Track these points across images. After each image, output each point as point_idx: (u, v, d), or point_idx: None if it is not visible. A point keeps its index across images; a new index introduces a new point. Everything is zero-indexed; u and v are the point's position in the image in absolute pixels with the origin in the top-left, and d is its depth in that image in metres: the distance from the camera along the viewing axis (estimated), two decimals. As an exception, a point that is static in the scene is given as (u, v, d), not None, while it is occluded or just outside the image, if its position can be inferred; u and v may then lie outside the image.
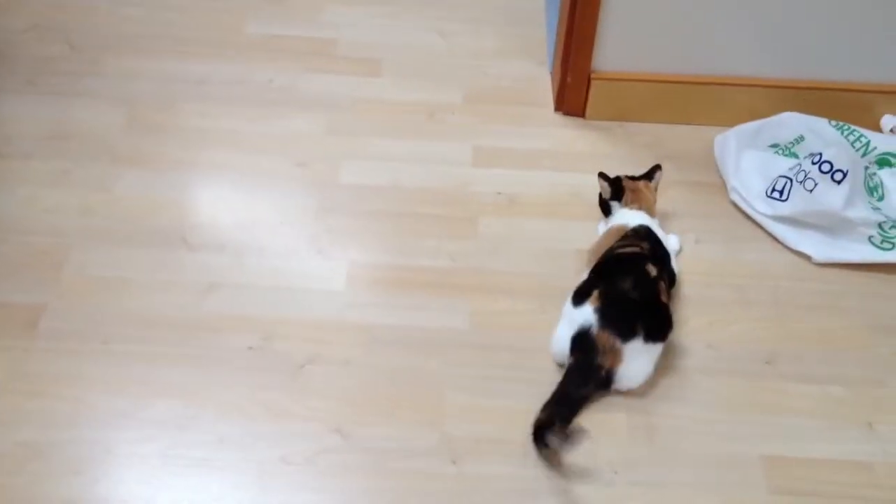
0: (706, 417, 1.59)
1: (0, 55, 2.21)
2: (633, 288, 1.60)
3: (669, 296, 1.69)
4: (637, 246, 1.70)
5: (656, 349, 1.60)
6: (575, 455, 1.49)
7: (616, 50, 2.08)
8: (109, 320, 1.68)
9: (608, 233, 1.77)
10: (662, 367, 1.64)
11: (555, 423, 1.48)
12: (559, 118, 2.16)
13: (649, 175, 1.85)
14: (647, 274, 1.63)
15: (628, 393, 1.60)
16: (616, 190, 1.81)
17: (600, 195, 1.84)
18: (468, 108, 2.17)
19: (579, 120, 2.15)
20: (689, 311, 1.76)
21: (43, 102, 2.12)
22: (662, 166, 1.88)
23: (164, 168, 1.98)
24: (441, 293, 1.77)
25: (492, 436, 1.54)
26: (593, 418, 1.56)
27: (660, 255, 1.71)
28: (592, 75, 2.10)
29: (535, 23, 2.43)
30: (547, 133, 2.12)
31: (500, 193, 1.97)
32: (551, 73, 2.26)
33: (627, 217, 1.78)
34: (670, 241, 1.83)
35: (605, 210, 1.84)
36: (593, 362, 1.55)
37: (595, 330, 1.55)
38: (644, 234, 1.73)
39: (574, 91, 2.13)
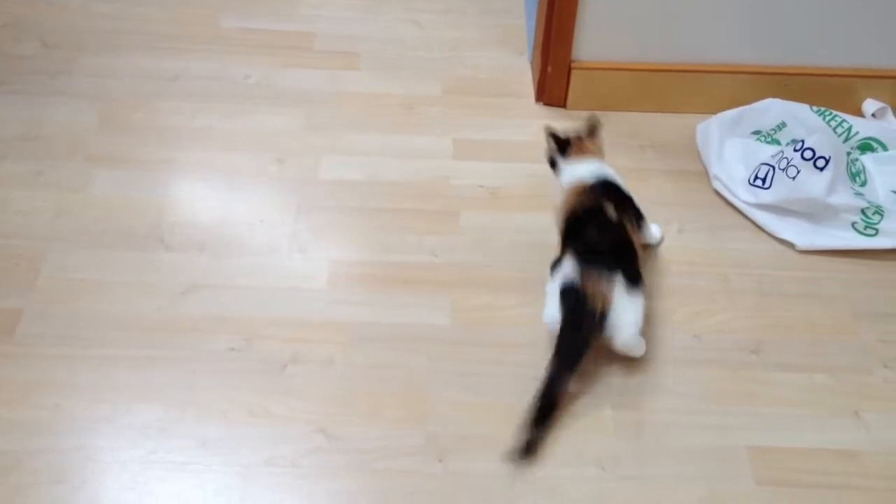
0: (692, 408, 1.58)
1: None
2: (599, 235, 1.61)
3: (641, 236, 1.71)
4: (593, 197, 1.68)
5: (639, 298, 1.59)
6: (562, 451, 1.48)
7: (596, 39, 2.06)
8: (87, 324, 1.65)
9: (571, 191, 1.73)
10: (648, 359, 1.64)
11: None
12: (540, 109, 2.14)
13: (590, 132, 1.79)
14: (609, 219, 1.63)
15: (618, 388, 1.59)
16: (562, 146, 1.77)
17: (548, 153, 1.81)
18: (447, 100, 2.15)
19: (560, 110, 2.14)
20: (673, 301, 1.75)
21: (15, 102, 2.09)
22: (645, 153, 1.86)
23: (139, 167, 1.95)
24: (423, 289, 1.75)
25: (477, 432, 1.53)
26: (580, 414, 1.55)
27: (619, 198, 1.69)
28: (573, 65, 2.08)
29: (513, 13, 2.41)
30: (528, 124, 2.10)
31: (481, 186, 1.95)
32: (531, 63, 2.24)
33: (579, 170, 1.74)
34: (651, 230, 1.82)
35: (553, 166, 1.80)
36: (585, 309, 1.54)
37: (578, 280, 1.55)
38: (599, 185, 1.71)
39: (554, 81, 2.11)
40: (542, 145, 2.05)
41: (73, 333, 1.64)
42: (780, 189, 1.87)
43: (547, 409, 1.52)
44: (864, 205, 1.87)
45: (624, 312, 1.56)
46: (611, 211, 1.64)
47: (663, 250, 1.84)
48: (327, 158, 1.99)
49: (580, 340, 1.55)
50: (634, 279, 1.58)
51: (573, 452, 1.50)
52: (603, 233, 1.62)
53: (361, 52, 2.27)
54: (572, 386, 1.56)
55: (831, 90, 2.09)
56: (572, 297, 1.56)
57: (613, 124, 2.11)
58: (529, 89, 2.19)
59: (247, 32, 2.30)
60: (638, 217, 1.73)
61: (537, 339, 1.66)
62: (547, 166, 2.01)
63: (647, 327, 1.67)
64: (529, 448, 1.50)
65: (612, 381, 1.61)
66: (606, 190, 1.70)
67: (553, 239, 1.84)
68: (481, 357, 1.64)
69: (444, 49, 2.29)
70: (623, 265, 1.57)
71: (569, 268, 1.58)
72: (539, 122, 2.11)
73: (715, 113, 2.07)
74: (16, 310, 1.66)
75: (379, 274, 1.77)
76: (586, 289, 1.55)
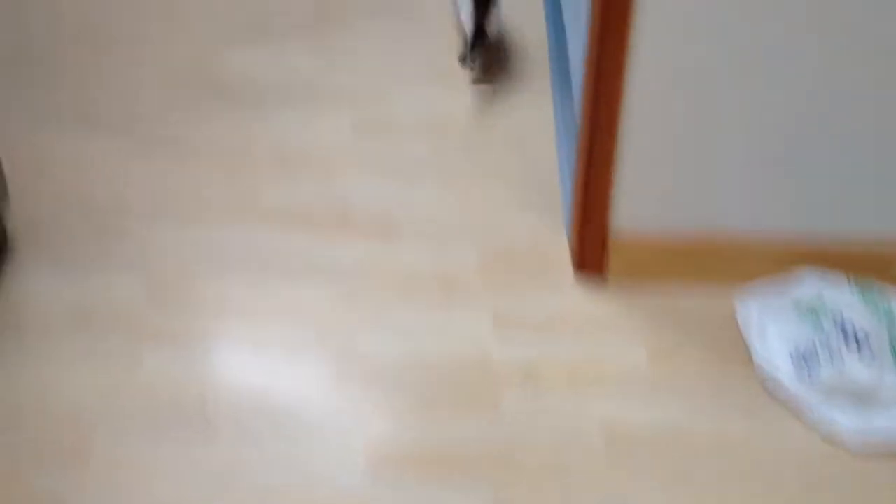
0: None
1: (26, 230, 2.25)
2: None
3: None
4: None
5: None
6: None
7: (633, 209, 2.08)
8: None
9: None
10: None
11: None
12: (578, 282, 2.15)
13: None
14: None
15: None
16: None
17: None
18: (484, 273, 2.17)
19: (598, 282, 2.15)
20: (709, 496, 1.71)
21: (61, 274, 2.14)
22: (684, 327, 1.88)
23: (183, 342, 1.99)
24: (462, 471, 1.74)
25: None
26: None
27: None
28: (610, 235, 2.10)
29: (549, 183, 2.44)
30: (566, 299, 2.11)
31: (520, 364, 1.96)
32: (568, 233, 2.27)
33: None
34: None
35: None
36: None
37: None
38: None
39: (591, 253, 2.13)
40: (583, 320, 2.06)
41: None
42: (824, 372, 1.84)
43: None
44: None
45: None
46: None
47: (703, 433, 1.82)
48: (364, 335, 2.01)
49: None
50: None
51: None
52: None
53: (397, 224, 2.30)
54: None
55: (872, 260, 2.08)
56: None
57: (652, 296, 2.11)
58: (567, 260, 2.20)
59: (286, 204, 2.35)
60: None
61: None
62: (589, 344, 2.02)
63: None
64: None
65: None
66: None
67: (593, 423, 1.83)
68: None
69: (480, 219, 2.32)
70: None
71: None
72: (577, 296, 2.12)
73: (754, 282, 2.06)
74: (61, 495, 1.67)
75: (416, 454, 1.77)
76: None
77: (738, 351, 1.99)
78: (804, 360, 1.89)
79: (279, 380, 1.92)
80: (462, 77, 2.71)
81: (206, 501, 1.68)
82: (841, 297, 1.99)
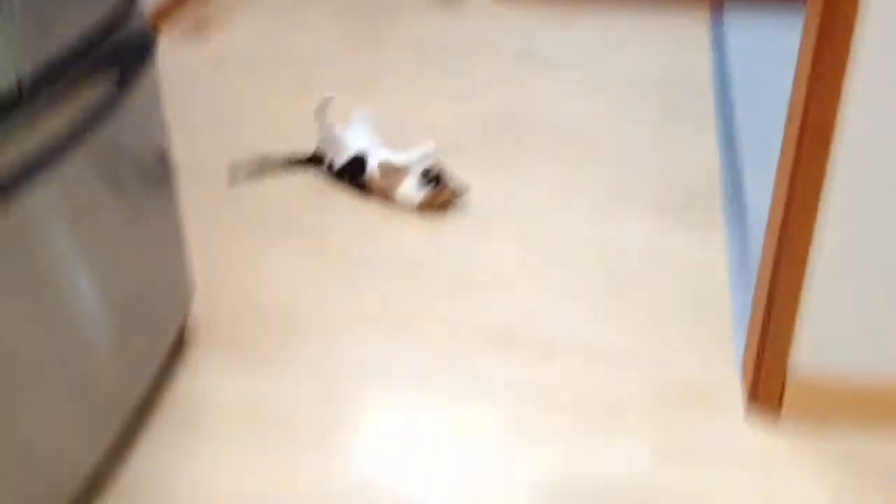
0: None
1: (207, 330, 2.36)
2: None
3: None
4: None
5: None
6: None
7: (817, 348, 1.98)
8: None
9: None
10: None
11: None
12: (750, 417, 2.05)
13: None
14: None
15: None
16: None
17: None
18: (648, 405, 2.10)
19: (773, 421, 2.03)
20: None
21: (243, 377, 2.22)
22: (870, 475, 1.73)
23: (347, 456, 2.00)
24: None
25: None
26: None
27: None
28: (789, 375, 2.00)
29: (721, 315, 2.37)
30: (737, 434, 2.01)
31: (683, 497, 1.85)
32: (742, 367, 2.17)
33: None
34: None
35: None
36: None
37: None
38: None
39: (767, 391, 2.03)
40: (755, 461, 1.95)
41: None
42: None
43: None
44: None
45: None
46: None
47: None
48: (523, 457, 1.97)
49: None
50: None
51: None
52: None
53: (560, 346, 2.28)
54: None
55: None
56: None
57: (831, 440, 1.98)
58: (738, 397, 2.11)
59: (455, 320, 2.38)
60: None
61: None
62: (762, 484, 1.91)
63: None
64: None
65: None
66: None
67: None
68: None
69: (646, 350, 2.27)
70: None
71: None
72: (749, 434, 2.01)
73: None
74: None
75: None
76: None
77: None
78: None
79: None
80: (629, 208, 2.71)
81: None
82: None
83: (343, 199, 2.86)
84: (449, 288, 2.51)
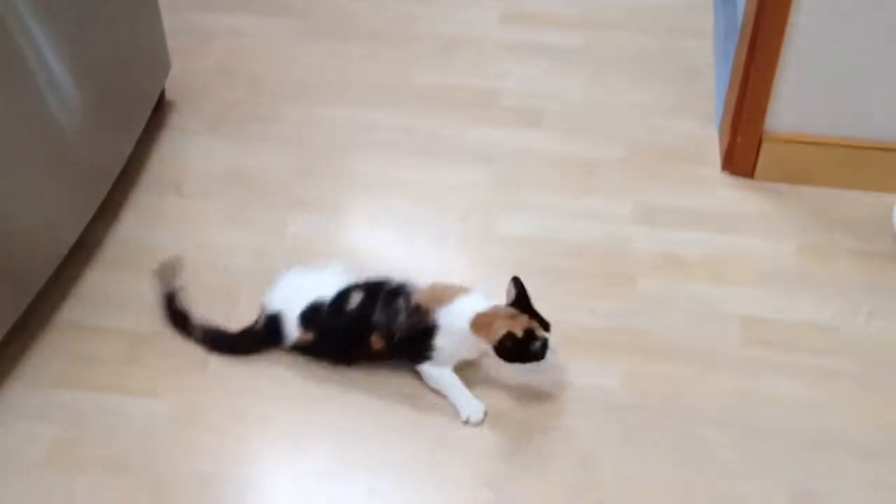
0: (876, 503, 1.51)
1: (187, 97, 2.35)
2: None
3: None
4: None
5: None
6: None
7: (791, 110, 2.01)
8: (275, 359, 1.75)
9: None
10: (827, 446, 1.57)
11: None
12: (725, 178, 2.11)
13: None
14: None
15: (790, 470, 1.54)
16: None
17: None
18: (629, 164, 2.15)
19: (747, 180, 2.10)
20: (859, 389, 1.68)
21: (223, 143, 2.24)
22: (835, 231, 1.81)
23: (331, 213, 2.06)
24: (596, 353, 1.75)
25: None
26: (748, 494, 1.50)
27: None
28: (764, 135, 2.04)
29: (702, 78, 2.38)
30: (712, 193, 2.07)
31: (660, 253, 1.94)
32: (719, 130, 2.21)
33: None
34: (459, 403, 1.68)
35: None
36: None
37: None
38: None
39: (743, 151, 2.07)
40: (729, 216, 2.02)
41: (260, 371, 1.73)
42: None
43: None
44: None
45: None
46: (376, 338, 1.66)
47: (849, 334, 1.77)
48: (506, 215, 2.03)
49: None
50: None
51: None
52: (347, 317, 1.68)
53: (546, 110, 2.30)
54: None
55: None
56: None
57: (803, 199, 2.05)
58: (715, 157, 2.16)
59: (436, 88, 2.38)
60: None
61: (710, 413, 1.63)
62: (734, 238, 1.98)
63: (825, 413, 1.61)
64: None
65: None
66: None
67: (732, 311, 1.81)
68: (651, 426, 1.63)
69: (629, 111, 2.30)
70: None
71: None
72: (724, 191, 2.08)
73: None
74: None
75: (552, 333, 1.79)
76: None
77: (891, 251, 1.92)
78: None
79: (420, 255, 1.96)
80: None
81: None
82: None
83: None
84: (433, 51, 2.49)
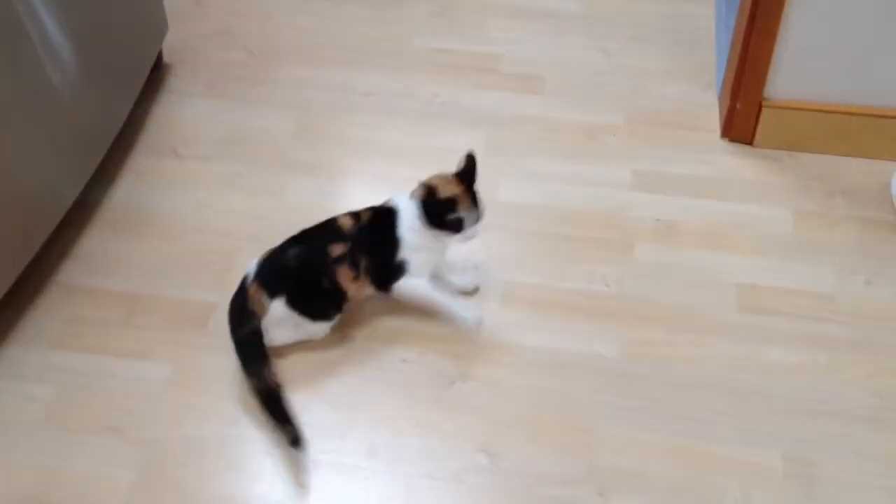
0: (868, 470, 1.52)
1: (184, 60, 2.34)
2: (296, 258, 1.64)
3: (371, 285, 1.68)
4: (343, 223, 1.68)
5: (302, 320, 1.65)
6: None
7: (791, 77, 2.00)
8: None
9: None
10: (823, 412, 1.58)
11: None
12: (725, 144, 2.11)
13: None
14: (326, 253, 1.64)
15: (785, 436, 1.55)
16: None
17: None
18: (629, 130, 2.15)
19: (746, 147, 2.09)
20: (855, 355, 1.68)
21: (221, 105, 2.23)
22: (834, 198, 1.81)
23: (328, 176, 2.05)
24: (592, 318, 1.76)
25: (638, 470, 1.53)
26: (743, 460, 1.52)
27: (376, 242, 1.66)
28: (764, 102, 2.03)
29: (702, 44, 2.37)
30: (711, 159, 2.07)
31: (658, 220, 1.94)
32: (719, 97, 2.20)
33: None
34: (460, 279, 1.78)
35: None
36: (245, 307, 1.63)
37: (249, 280, 1.64)
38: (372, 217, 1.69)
39: (743, 117, 2.07)
40: (728, 183, 2.02)
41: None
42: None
43: (270, 402, 1.57)
44: None
45: (275, 321, 1.62)
46: (335, 247, 1.64)
47: (846, 301, 1.78)
48: (506, 181, 2.03)
49: (239, 339, 1.63)
50: (300, 305, 1.63)
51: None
52: (300, 258, 1.64)
53: (546, 76, 2.29)
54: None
55: None
56: (241, 290, 1.65)
57: (802, 166, 2.05)
58: (715, 124, 2.15)
59: (436, 52, 2.37)
60: (387, 270, 1.67)
61: (705, 379, 1.64)
62: (732, 205, 1.98)
63: (821, 379, 1.62)
64: (296, 440, 1.53)
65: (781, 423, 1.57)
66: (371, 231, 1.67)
67: (730, 279, 1.82)
68: (646, 393, 1.64)
69: (629, 78, 2.29)
70: (296, 291, 1.62)
71: (252, 264, 1.66)
72: (723, 158, 2.08)
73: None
74: (210, 304, 1.78)
75: (549, 299, 1.79)
76: (251, 290, 1.63)
77: (889, 219, 1.92)
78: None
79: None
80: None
81: (344, 318, 1.76)
82: None
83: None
84: (433, 16, 2.47)
